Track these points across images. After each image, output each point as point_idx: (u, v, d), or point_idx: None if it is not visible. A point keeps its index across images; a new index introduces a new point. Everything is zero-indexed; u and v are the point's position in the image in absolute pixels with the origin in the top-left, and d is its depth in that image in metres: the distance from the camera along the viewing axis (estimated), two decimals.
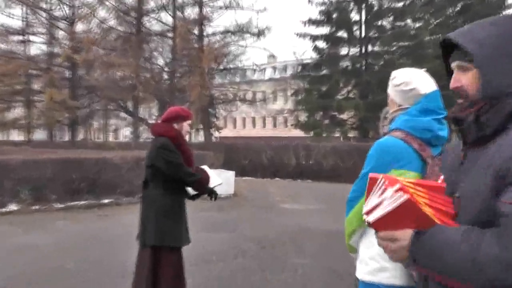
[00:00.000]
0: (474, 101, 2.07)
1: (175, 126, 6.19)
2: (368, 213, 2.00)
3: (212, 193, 6.33)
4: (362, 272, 3.41)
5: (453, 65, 2.16)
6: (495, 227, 1.83)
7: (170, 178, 6.04)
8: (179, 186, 6.16)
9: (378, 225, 2.00)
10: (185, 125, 6.24)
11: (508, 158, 1.87)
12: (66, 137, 46.94)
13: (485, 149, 2.01)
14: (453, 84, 2.13)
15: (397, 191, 1.91)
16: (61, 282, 8.04)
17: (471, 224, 1.92)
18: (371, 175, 2.07)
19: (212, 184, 6.37)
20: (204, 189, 6.30)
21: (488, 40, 2.05)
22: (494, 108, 2.02)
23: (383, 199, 1.95)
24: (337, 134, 40.66)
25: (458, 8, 41.37)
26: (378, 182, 1.99)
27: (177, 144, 6.06)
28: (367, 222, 2.02)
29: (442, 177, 2.20)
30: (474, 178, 2.00)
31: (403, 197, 1.90)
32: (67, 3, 45.02)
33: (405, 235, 1.97)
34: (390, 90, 3.61)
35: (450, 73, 2.20)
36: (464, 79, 2.09)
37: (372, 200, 2.00)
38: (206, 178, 6.32)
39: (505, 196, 1.84)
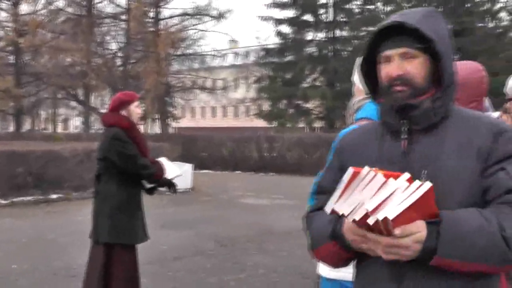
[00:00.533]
0: (420, 88, 2.14)
1: (124, 113, 6.16)
2: (374, 210, 1.86)
3: (171, 186, 6.34)
4: (325, 269, 3.45)
5: (393, 52, 2.17)
6: (507, 203, 1.98)
7: (124, 171, 5.98)
8: (134, 179, 6.10)
9: (397, 222, 1.86)
10: (133, 109, 6.15)
11: (491, 137, 2.06)
12: (11, 128, 46.49)
13: (439, 134, 2.14)
14: (396, 71, 2.13)
15: (408, 180, 1.89)
16: (7, 285, 8.02)
17: (458, 207, 1.99)
18: (353, 168, 1.98)
19: (170, 175, 6.37)
20: (161, 182, 6.27)
21: (439, 29, 2.19)
22: (446, 94, 2.16)
23: (394, 192, 1.88)
24: (302, 125, 40.95)
25: None
26: (364, 175, 1.93)
27: (130, 134, 6.05)
28: (377, 220, 1.86)
29: (368, 170, 1.99)
30: (448, 162, 2.08)
31: (427, 186, 1.87)
32: None
33: (419, 227, 1.91)
34: (356, 78, 3.68)
35: (370, 61, 2.28)
36: (409, 66, 2.14)
37: (366, 195, 1.90)
38: (162, 170, 6.26)
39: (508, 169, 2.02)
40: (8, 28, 44.31)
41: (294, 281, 8.05)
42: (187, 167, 20.23)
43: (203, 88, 45.59)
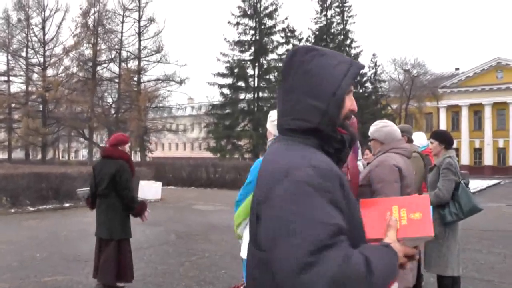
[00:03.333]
0: None
1: (121, 149, 6.16)
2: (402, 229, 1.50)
3: (139, 215, 6.17)
4: (245, 253, 3.42)
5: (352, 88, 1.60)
6: None
7: (117, 192, 5.92)
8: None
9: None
10: (126, 147, 6.23)
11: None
12: (39, 156, 45.39)
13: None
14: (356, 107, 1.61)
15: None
16: (30, 268, 7.88)
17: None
18: (363, 200, 1.62)
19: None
20: (134, 214, 6.10)
21: None
22: None
23: (422, 214, 1.52)
24: (236, 156, 41.04)
25: None
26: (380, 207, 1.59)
27: (129, 163, 6.08)
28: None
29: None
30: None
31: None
32: (41, 53, 43.94)
33: None
34: (268, 125, 3.80)
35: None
36: None
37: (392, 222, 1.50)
38: (143, 209, 6.14)
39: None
40: (38, 85, 43.54)
41: (230, 262, 8.09)
42: (158, 184, 20.10)
43: (169, 130, 45.33)
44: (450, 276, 5.03)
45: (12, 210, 15.34)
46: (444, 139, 5.29)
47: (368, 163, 4.20)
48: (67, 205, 16.73)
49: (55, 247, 9.70)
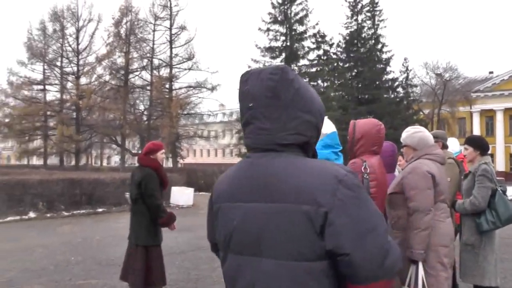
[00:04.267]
0: None
1: (152, 157, 6.25)
2: None
3: (166, 226, 6.10)
4: None
5: None
6: None
7: (144, 200, 5.96)
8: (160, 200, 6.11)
9: None
10: (159, 155, 6.26)
11: None
12: (73, 162, 46.19)
13: None
14: None
15: None
16: (64, 272, 8.03)
17: None
18: None
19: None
20: (162, 224, 6.02)
21: None
22: None
23: None
24: None
25: (354, 73, 42.49)
26: None
27: (158, 173, 6.13)
28: None
29: None
30: None
31: None
32: (75, 62, 44.78)
33: None
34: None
35: None
36: None
37: None
38: (171, 220, 6.07)
39: None
40: (72, 94, 44.38)
41: None
42: (190, 190, 20.27)
43: (201, 137, 45.51)
44: (487, 287, 4.85)
45: (48, 215, 15.66)
46: (479, 145, 5.13)
47: (403, 169, 4.16)
48: (100, 210, 16.99)
49: (89, 251, 9.87)
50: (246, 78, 1.69)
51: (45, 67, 45.25)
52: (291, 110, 1.62)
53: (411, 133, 4.03)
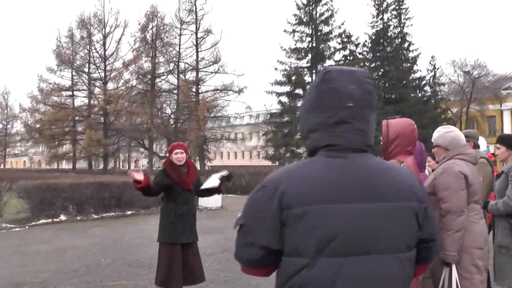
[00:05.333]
0: None
1: (170, 157, 6.32)
2: None
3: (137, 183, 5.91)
4: None
5: None
6: None
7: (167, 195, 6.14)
8: (173, 201, 6.12)
9: None
10: (173, 156, 6.32)
11: None
12: (101, 166, 46.83)
13: None
14: None
15: None
16: (96, 273, 8.13)
17: None
18: None
19: (209, 184, 6.40)
20: (138, 186, 5.91)
21: None
22: None
23: None
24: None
25: (380, 73, 42.12)
26: None
27: (167, 172, 6.18)
28: None
29: None
30: None
31: None
32: (102, 68, 45.53)
33: None
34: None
35: None
36: None
37: None
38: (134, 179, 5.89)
39: None
40: (99, 99, 45.09)
41: None
42: None
43: (228, 139, 45.70)
44: None
45: (78, 218, 15.88)
46: None
47: (432, 170, 4.10)
48: (129, 212, 17.13)
49: (119, 253, 9.98)
50: (333, 77, 1.71)
51: (73, 73, 46.19)
52: (374, 114, 1.74)
53: (443, 132, 3.96)
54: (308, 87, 39.92)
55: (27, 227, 14.36)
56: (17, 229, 14.10)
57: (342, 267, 1.55)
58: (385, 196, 1.61)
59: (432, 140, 4.04)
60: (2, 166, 57.99)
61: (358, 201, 1.59)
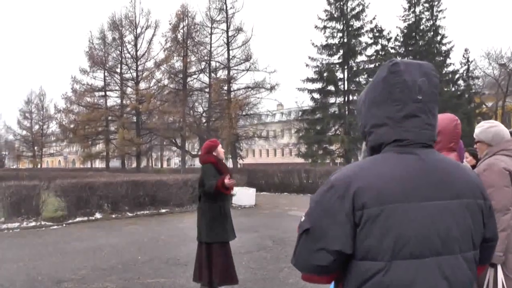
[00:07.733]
0: None
1: (214, 154, 6.38)
2: None
3: (224, 188, 6.16)
4: None
5: None
6: None
7: (205, 192, 6.22)
8: (218, 198, 6.24)
9: None
10: (219, 150, 6.41)
11: None
12: (134, 165, 47.44)
13: None
14: None
15: None
16: (133, 271, 8.23)
17: None
18: None
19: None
20: (220, 189, 6.10)
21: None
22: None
23: None
24: (328, 161, 40.69)
25: None
26: None
27: (217, 167, 6.25)
28: None
29: None
30: None
31: None
32: (134, 68, 46.04)
33: None
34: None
35: None
36: None
37: None
38: (221, 180, 6.11)
39: None
40: (132, 98, 45.63)
41: None
42: (252, 190, 20.35)
43: (260, 137, 45.59)
44: None
45: (113, 216, 16.08)
46: None
47: (472, 167, 3.99)
48: (163, 211, 17.27)
49: (155, 250, 10.08)
50: (402, 69, 1.66)
51: (106, 74, 46.90)
52: (438, 108, 1.71)
53: (485, 128, 3.83)
54: (339, 83, 39.99)
55: (64, 225, 14.62)
56: (55, 227, 14.36)
57: (418, 271, 1.49)
58: (459, 193, 1.58)
59: (474, 135, 3.91)
60: (39, 166, 59.10)
61: (433, 199, 1.54)
